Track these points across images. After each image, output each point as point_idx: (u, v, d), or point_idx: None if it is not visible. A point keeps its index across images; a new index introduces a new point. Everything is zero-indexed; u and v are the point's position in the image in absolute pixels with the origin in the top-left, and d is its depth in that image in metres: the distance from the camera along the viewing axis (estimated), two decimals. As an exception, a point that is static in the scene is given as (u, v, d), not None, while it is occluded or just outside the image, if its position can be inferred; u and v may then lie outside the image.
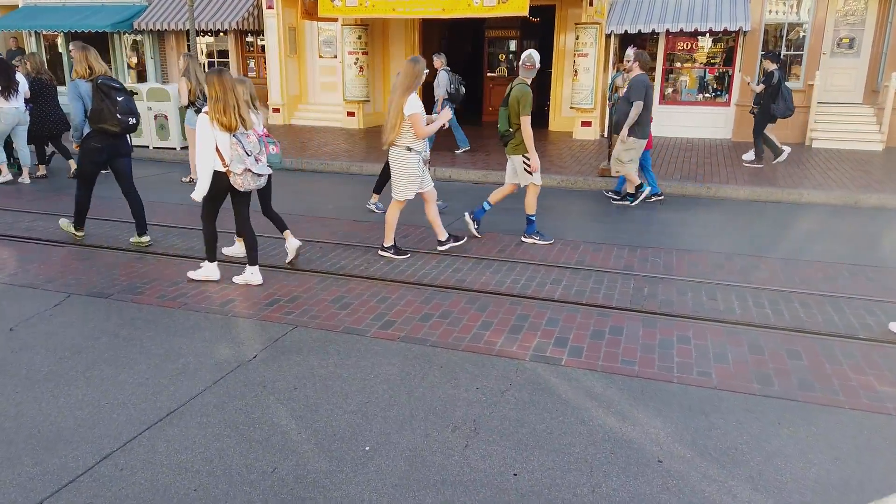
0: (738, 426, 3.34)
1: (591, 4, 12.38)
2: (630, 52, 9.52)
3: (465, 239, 6.27)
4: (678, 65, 13.50)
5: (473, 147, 12.01)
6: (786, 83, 10.09)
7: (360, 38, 14.00)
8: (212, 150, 4.92)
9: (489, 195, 6.81)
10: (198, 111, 8.78)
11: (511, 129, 6.28)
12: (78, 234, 6.49)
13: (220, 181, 5.04)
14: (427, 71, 5.79)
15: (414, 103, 5.64)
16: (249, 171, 5.00)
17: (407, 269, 5.70)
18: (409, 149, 5.77)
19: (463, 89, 11.23)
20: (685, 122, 13.28)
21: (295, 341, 4.32)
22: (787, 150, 10.25)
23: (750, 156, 10.43)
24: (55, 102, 9.50)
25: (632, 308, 4.83)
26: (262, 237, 6.61)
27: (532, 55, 6.28)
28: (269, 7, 14.39)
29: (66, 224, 6.51)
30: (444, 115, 5.98)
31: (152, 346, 4.24)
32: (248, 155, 4.97)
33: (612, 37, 12.72)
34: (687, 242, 6.61)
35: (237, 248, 6.01)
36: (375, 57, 14.75)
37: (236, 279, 5.38)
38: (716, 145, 12.25)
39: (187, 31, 15.77)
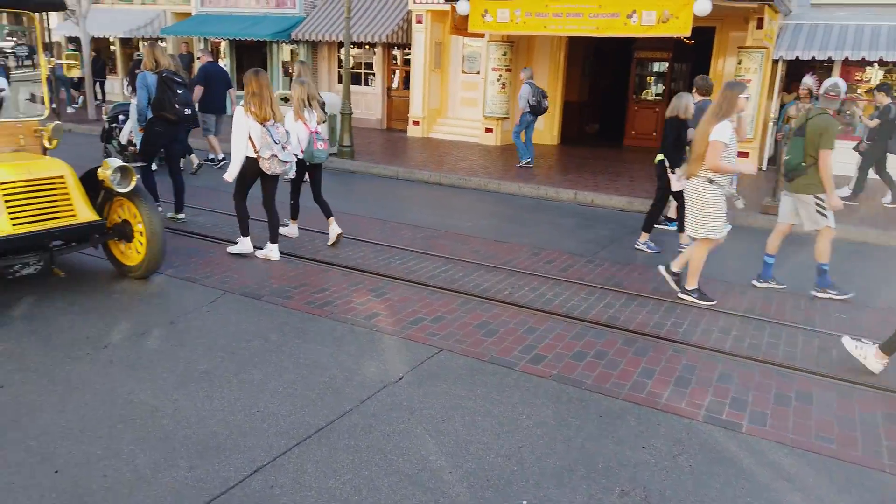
0: (980, 542, 2.72)
1: (759, 27, 11.48)
2: (807, 79, 8.67)
3: (715, 302, 5.39)
4: (853, 95, 12.22)
5: (616, 171, 11.51)
6: None
7: (504, 54, 13.89)
8: (245, 137, 5.69)
9: (766, 247, 5.87)
10: None
11: (804, 164, 5.48)
12: (178, 217, 7.21)
13: (252, 165, 5.79)
14: (746, 95, 5.21)
15: (721, 131, 5.05)
16: (276, 156, 5.71)
17: (554, 300, 5.37)
18: (711, 181, 5.18)
19: (546, 103, 11.54)
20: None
21: (441, 366, 4.12)
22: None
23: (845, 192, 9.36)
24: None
25: (820, 372, 4.21)
26: (392, 247, 6.53)
27: (838, 84, 5.60)
28: (419, 22, 14.64)
29: (170, 217, 7.14)
30: (749, 166, 5.26)
31: (300, 354, 4.19)
32: (276, 143, 5.69)
33: (780, 63, 11.73)
34: (876, 295, 5.78)
35: (291, 229, 6.77)
36: (518, 74, 14.55)
37: (258, 253, 6.06)
38: None
39: (339, 43, 16.43)
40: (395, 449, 3.22)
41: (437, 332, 4.62)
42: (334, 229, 6.50)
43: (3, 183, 4.51)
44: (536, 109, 11.33)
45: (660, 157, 6.87)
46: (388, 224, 7.65)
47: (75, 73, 5.30)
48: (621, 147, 15.19)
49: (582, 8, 10.78)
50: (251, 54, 18.53)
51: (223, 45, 18.87)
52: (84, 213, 4.89)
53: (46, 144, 5.25)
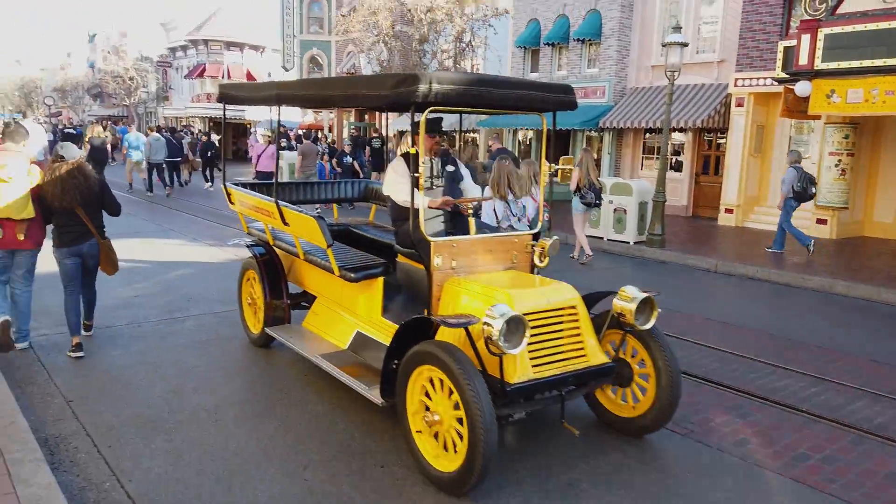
0: None
1: None
2: None
3: None
4: None
5: None
6: None
7: (846, 137, 12.21)
8: (490, 209, 6.59)
9: None
10: (582, 198, 9.65)
11: None
12: None
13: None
14: None
15: None
16: (512, 227, 6.47)
17: None
18: None
19: (813, 189, 10.55)
20: None
21: (856, 529, 3.30)
22: None
23: None
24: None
25: None
26: (739, 356, 5.70)
27: None
28: (739, 105, 13.75)
29: None
30: None
31: (667, 478, 3.72)
32: (514, 216, 6.61)
33: None
34: None
35: None
36: (861, 159, 12.67)
37: None
38: None
39: (645, 129, 16.23)
40: None
41: (835, 478, 3.78)
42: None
43: (526, 314, 3.49)
44: (802, 196, 10.42)
45: None
46: (723, 325, 6.88)
47: (568, 181, 6.00)
48: None
49: (969, 81, 8.97)
50: (556, 140, 19.32)
51: (522, 132, 20.03)
52: (594, 353, 3.84)
53: (537, 262, 4.35)
